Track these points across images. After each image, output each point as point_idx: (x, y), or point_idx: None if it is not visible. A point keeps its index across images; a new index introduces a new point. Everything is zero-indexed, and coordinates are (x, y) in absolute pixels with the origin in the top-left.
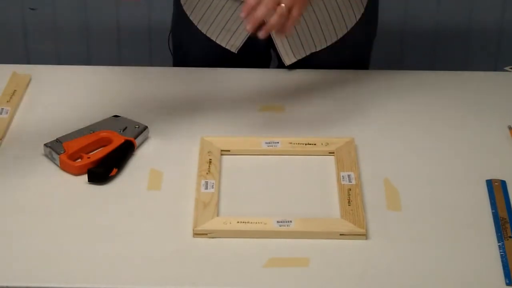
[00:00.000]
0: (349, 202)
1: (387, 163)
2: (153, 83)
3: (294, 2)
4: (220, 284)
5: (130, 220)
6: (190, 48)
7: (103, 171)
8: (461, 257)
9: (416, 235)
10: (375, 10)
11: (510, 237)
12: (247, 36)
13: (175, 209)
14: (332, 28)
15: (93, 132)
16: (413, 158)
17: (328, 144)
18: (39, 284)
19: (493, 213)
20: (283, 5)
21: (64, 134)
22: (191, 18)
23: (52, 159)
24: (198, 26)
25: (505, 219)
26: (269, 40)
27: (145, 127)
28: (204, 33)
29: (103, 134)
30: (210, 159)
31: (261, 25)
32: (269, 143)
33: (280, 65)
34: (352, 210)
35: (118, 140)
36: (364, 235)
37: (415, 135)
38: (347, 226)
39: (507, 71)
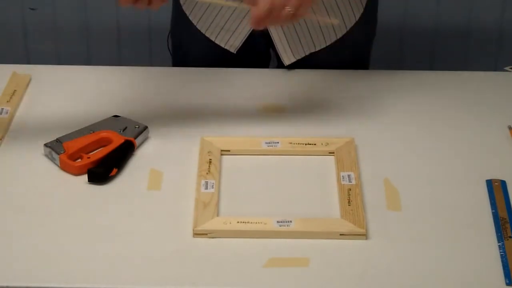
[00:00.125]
0: (349, 202)
1: (387, 163)
2: (153, 83)
3: (300, 3)
4: (220, 284)
5: (130, 220)
6: (190, 48)
7: (103, 171)
8: (461, 257)
9: (416, 235)
10: (374, 10)
11: (510, 237)
12: (246, 36)
13: (175, 209)
14: (332, 28)
15: (93, 132)
16: (413, 158)
17: (328, 144)
18: (39, 284)
19: (493, 213)
20: (289, 9)
21: (64, 134)
22: (190, 18)
23: (52, 159)
24: (197, 26)
25: (505, 219)
26: (268, 40)
27: (145, 127)
28: (204, 33)
29: (103, 134)
30: (210, 159)
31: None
32: (269, 143)
33: (280, 65)
34: (352, 210)
35: (118, 140)
36: (364, 235)
37: (415, 135)
38: (347, 226)
39: (507, 71)
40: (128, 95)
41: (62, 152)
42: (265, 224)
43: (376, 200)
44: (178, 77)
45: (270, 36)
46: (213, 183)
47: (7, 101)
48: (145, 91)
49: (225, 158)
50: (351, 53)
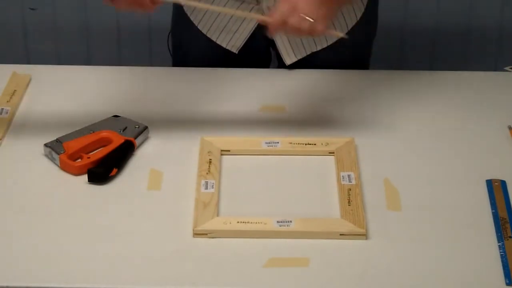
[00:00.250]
0: (349, 202)
1: (387, 163)
2: (153, 83)
3: (321, 17)
4: (220, 284)
5: (130, 220)
6: (190, 48)
7: (103, 171)
8: (461, 257)
9: (416, 235)
10: (375, 10)
11: (510, 237)
12: (248, 37)
13: (175, 209)
14: (333, 28)
15: (93, 132)
16: (413, 158)
17: (328, 144)
18: (39, 284)
19: (493, 213)
20: (310, 19)
21: (64, 134)
22: (191, 18)
23: (52, 159)
24: (198, 27)
25: (505, 219)
26: (269, 40)
27: (145, 127)
28: (205, 33)
29: (103, 134)
30: (210, 159)
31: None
32: (269, 143)
33: (280, 65)
34: (352, 210)
35: (118, 140)
36: (364, 235)
37: (415, 135)
38: (347, 226)
39: (507, 71)
40: (128, 95)
41: (62, 152)
42: (265, 224)
43: (376, 200)
44: (178, 77)
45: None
46: (213, 183)
47: (7, 101)
48: (145, 91)
49: (225, 158)
50: (351, 53)
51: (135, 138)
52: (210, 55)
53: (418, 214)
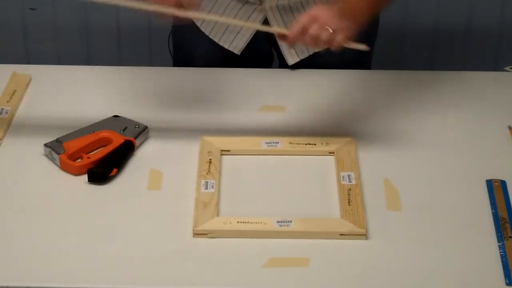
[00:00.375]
0: (349, 202)
1: (387, 163)
2: (153, 83)
3: (341, 29)
4: (220, 284)
5: (130, 220)
6: (192, 49)
7: (103, 171)
8: (461, 257)
9: (416, 235)
10: None
11: (510, 237)
12: (250, 38)
13: (175, 209)
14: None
15: (93, 132)
16: (413, 158)
17: (328, 144)
18: (39, 284)
19: (493, 213)
20: (330, 30)
21: (64, 134)
22: (193, 20)
23: (52, 159)
24: (201, 28)
25: (505, 219)
26: (271, 41)
27: (145, 127)
28: (207, 34)
29: (103, 134)
30: (210, 159)
31: None
32: (269, 143)
33: (282, 65)
34: (352, 210)
35: (118, 140)
36: (364, 235)
37: (415, 135)
38: (347, 226)
39: (507, 71)
40: (128, 95)
41: (62, 152)
42: (265, 224)
43: (376, 200)
44: (178, 77)
45: (273, 37)
46: (213, 183)
47: (7, 101)
48: (145, 91)
49: (225, 158)
50: (353, 54)
51: (135, 138)
52: (212, 56)
53: (418, 214)
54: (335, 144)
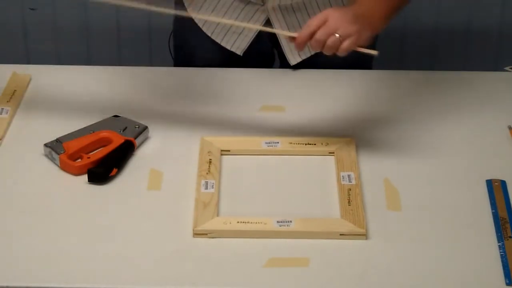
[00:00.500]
0: (349, 202)
1: (387, 163)
2: (153, 83)
3: (349, 35)
4: (220, 284)
5: (130, 220)
6: (193, 50)
7: (103, 171)
8: (461, 257)
9: (416, 235)
10: None
11: (510, 237)
12: (252, 38)
13: (175, 209)
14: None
15: (93, 132)
16: (413, 158)
17: (328, 144)
18: (39, 284)
19: (493, 213)
20: (337, 35)
21: (64, 134)
22: (195, 21)
23: (52, 159)
24: (203, 29)
25: (505, 219)
26: (273, 41)
27: (145, 127)
28: (209, 35)
29: (103, 134)
30: (210, 159)
31: None
32: (269, 143)
33: (283, 65)
34: (352, 210)
35: (118, 140)
36: (364, 235)
37: (415, 135)
38: (347, 226)
39: (507, 71)
40: (128, 95)
41: (62, 152)
42: (265, 224)
43: (376, 200)
44: (178, 77)
45: (275, 37)
46: (213, 183)
47: (7, 101)
48: (145, 91)
49: (225, 158)
50: (355, 54)
51: (135, 138)
52: (214, 57)
53: (418, 214)
54: (335, 144)
